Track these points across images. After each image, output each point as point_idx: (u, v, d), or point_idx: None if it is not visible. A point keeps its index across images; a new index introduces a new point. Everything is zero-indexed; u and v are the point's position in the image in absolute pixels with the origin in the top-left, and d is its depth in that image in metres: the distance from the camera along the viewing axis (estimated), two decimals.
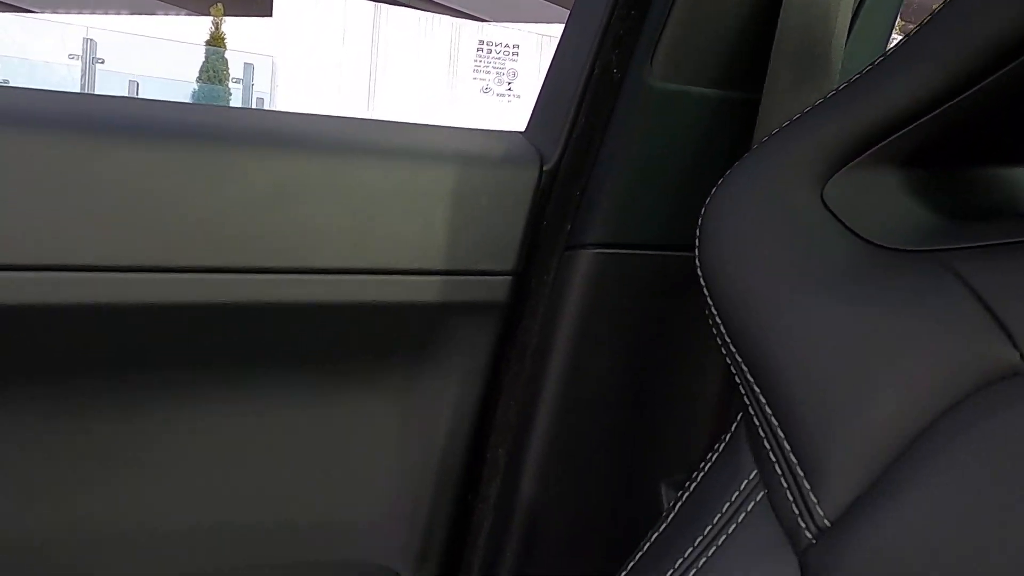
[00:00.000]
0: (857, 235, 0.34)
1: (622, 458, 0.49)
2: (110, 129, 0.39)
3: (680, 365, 0.49)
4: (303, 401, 0.47)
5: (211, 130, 0.42)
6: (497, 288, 0.48)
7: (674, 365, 0.49)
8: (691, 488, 0.36)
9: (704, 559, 0.33)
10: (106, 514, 0.44)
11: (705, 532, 0.33)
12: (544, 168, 0.48)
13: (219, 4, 8.88)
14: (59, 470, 0.44)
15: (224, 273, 0.42)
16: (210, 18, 9.23)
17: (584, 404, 0.48)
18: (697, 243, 0.37)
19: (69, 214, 0.38)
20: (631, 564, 0.35)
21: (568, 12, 0.52)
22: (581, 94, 0.47)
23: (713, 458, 0.36)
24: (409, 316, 0.47)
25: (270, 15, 10.08)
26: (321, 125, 0.45)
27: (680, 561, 0.33)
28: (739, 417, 0.36)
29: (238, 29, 9.63)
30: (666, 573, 0.33)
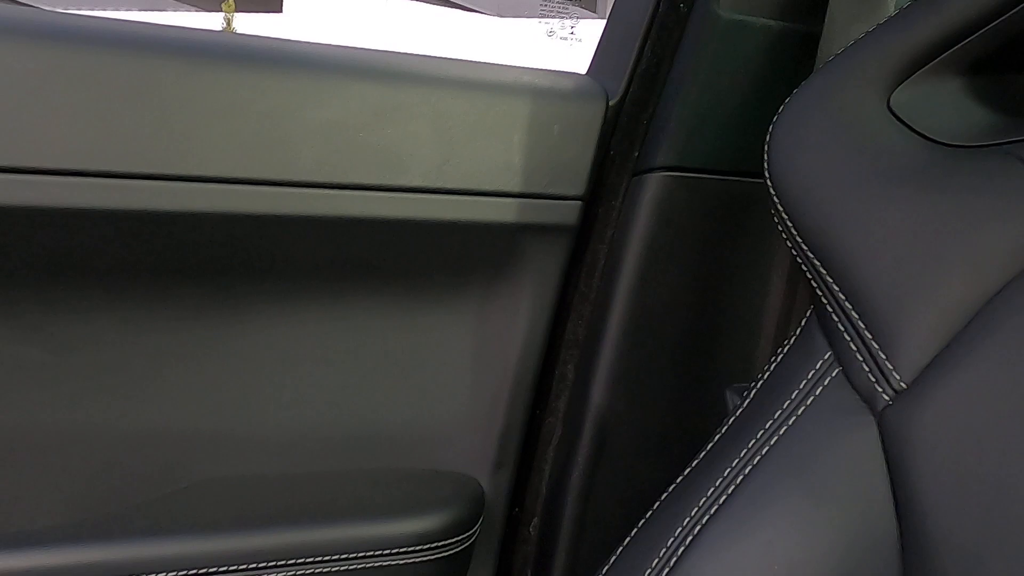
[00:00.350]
0: (923, 135, 0.37)
1: (687, 369, 0.52)
2: (239, 61, 0.43)
3: (741, 281, 0.52)
4: (389, 315, 0.51)
5: (319, 62, 0.45)
6: (567, 212, 0.51)
7: (735, 281, 0.52)
8: (759, 384, 0.39)
9: (784, 428, 0.36)
10: (208, 413, 0.48)
11: (783, 407, 0.36)
12: (610, 102, 0.52)
13: (230, 0, 8.96)
14: (169, 370, 0.47)
15: (326, 188, 0.45)
16: (221, 14, 9.31)
17: (650, 319, 0.51)
18: (767, 155, 0.40)
19: (203, 133, 0.42)
20: (703, 454, 0.38)
21: None
22: (647, 29, 0.51)
23: (782, 352, 0.39)
24: (486, 236, 0.50)
25: (280, 11, 10.14)
26: (412, 60, 0.49)
27: (752, 442, 0.36)
28: (808, 313, 0.39)
29: (248, 25, 9.69)
30: (741, 451, 0.36)
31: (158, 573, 0.42)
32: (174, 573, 0.42)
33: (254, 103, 0.43)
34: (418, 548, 0.47)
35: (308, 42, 0.48)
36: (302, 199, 0.45)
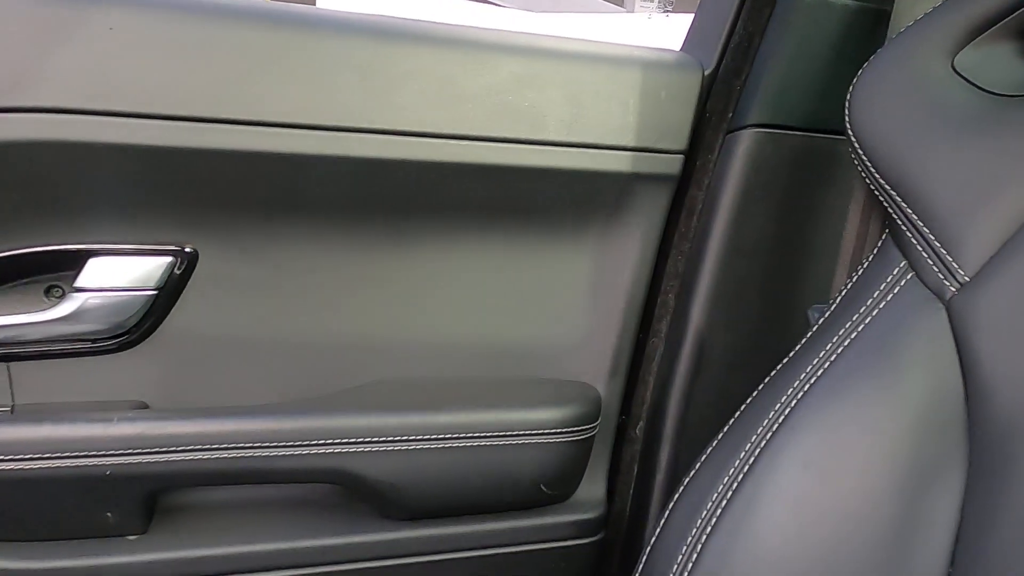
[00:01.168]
0: (982, 89, 0.46)
1: (773, 293, 0.62)
2: (424, 40, 0.54)
3: (820, 219, 0.62)
4: (525, 249, 0.61)
5: (477, 40, 0.56)
6: (670, 164, 0.61)
7: (815, 219, 0.62)
8: (838, 299, 0.48)
9: (862, 326, 0.45)
10: (382, 327, 0.59)
11: (861, 310, 0.46)
12: (705, 72, 0.62)
13: None
14: (355, 291, 0.58)
15: (480, 141, 0.56)
16: None
17: (741, 253, 0.61)
18: (848, 111, 0.50)
19: (396, 95, 0.53)
20: (787, 359, 0.48)
21: None
22: (738, 11, 0.61)
23: (860, 270, 0.48)
24: (603, 184, 0.61)
25: (313, 3, 10.32)
26: (547, 40, 0.59)
27: (832, 342, 0.45)
28: (883, 237, 0.48)
29: None
30: (821, 352, 0.45)
31: (349, 439, 0.54)
32: (362, 440, 0.54)
33: (433, 71, 0.54)
34: (555, 431, 0.57)
35: (469, 26, 0.58)
36: (463, 149, 0.56)
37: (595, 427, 0.61)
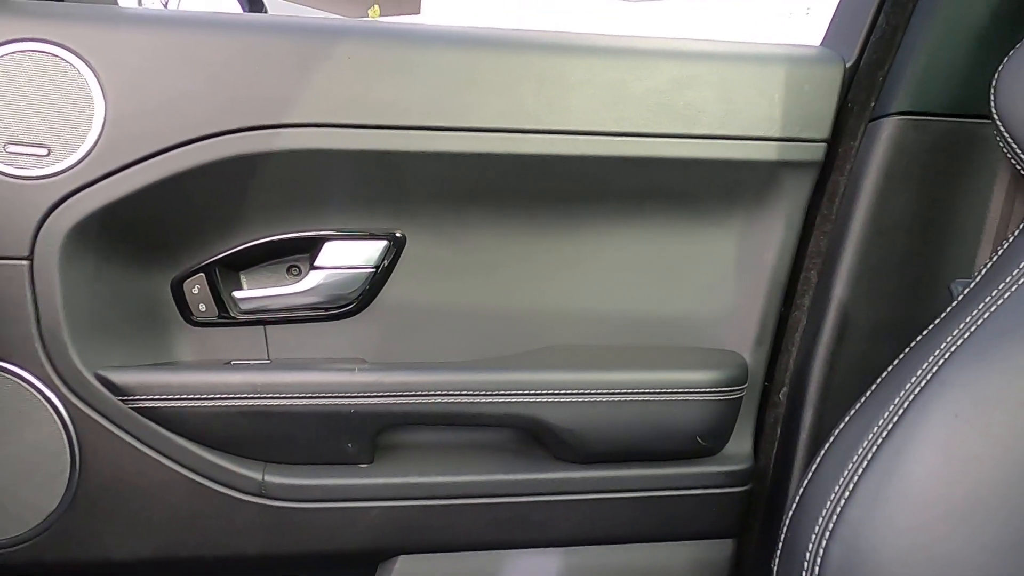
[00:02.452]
0: None
1: (916, 268, 0.66)
2: (594, 52, 0.63)
3: (963, 199, 0.65)
4: (679, 232, 0.69)
5: (638, 48, 0.64)
6: (814, 151, 0.67)
7: (958, 199, 0.65)
8: (982, 273, 0.53)
9: (1008, 294, 0.49)
10: (554, 300, 0.69)
11: (1007, 280, 0.50)
12: (847, 65, 0.66)
13: (376, 6, 9.63)
14: (531, 269, 0.68)
15: (642, 137, 0.64)
16: (366, 20, 10.02)
17: (883, 231, 0.65)
18: (993, 96, 0.54)
19: (568, 99, 0.62)
20: (929, 328, 0.52)
21: None
22: (879, 4, 0.65)
23: (1004, 246, 0.52)
24: (751, 171, 0.67)
25: (418, 12, 10.71)
26: (701, 43, 0.66)
27: (975, 311, 0.50)
28: None
29: None
30: (963, 322, 0.50)
31: (537, 391, 0.63)
32: (547, 392, 0.63)
33: (601, 78, 0.63)
34: (708, 390, 0.65)
35: (630, 35, 0.67)
36: (625, 145, 0.64)
37: (743, 389, 0.68)
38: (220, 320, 0.66)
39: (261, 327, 0.67)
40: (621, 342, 0.71)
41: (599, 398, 0.64)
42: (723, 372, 0.67)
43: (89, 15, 0.61)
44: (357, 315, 0.68)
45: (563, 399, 0.63)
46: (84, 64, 0.58)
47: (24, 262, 0.57)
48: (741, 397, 0.68)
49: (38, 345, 0.57)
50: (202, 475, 0.60)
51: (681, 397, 0.65)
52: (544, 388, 0.63)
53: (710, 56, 0.66)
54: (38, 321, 0.57)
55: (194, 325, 0.66)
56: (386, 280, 0.68)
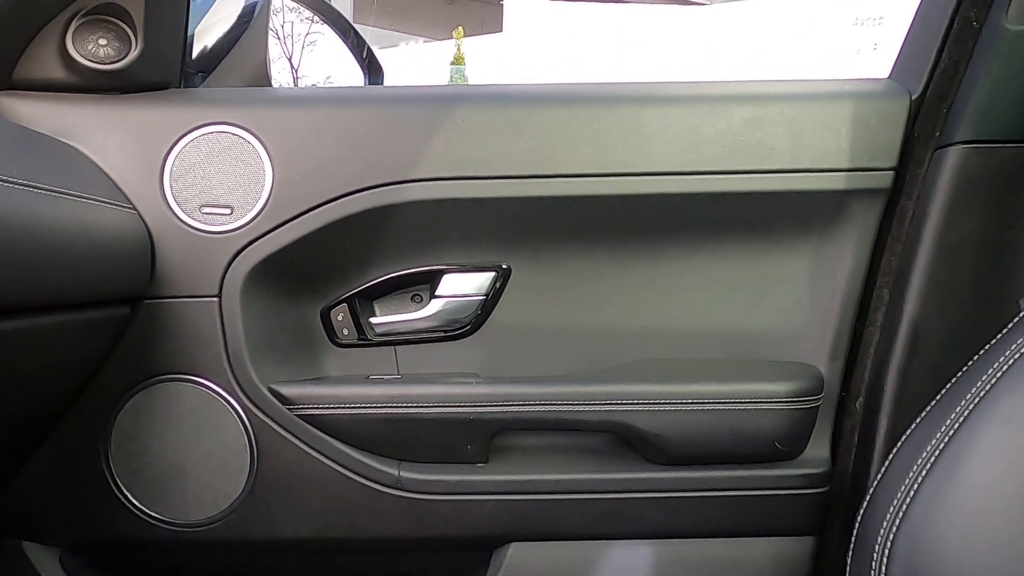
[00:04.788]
0: None
1: (985, 286, 0.70)
2: (680, 100, 0.73)
3: None
4: (754, 255, 0.77)
5: (710, 94, 0.73)
6: (882, 179, 0.73)
7: (1022, 221, 0.69)
8: None
9: None
10: (639, 320, 0.78)
11: None
12: (912, 97, 0.72)
13: (460, 27, 10.00)
14: (619, 293, 0.78)
15: (719, 175, 0.72)
16: (453, 40, 10.39)
17: (951, 253, 0.70)
18: None
19: (657, 143, 0.72)
20: (997, 338, 0.57)
21: None
22: (943, 41, 0.70)
23: None
24: (822, 199, 0.74)
25: (500, 31, 10.99)
26: (771, 84, 0.74)
27: None
28: None
29: (475, 46, 10.66)
30: None
31: (628, 400, 0.72)
32: (638, 401, 0.72)
33: (679, 123, 0.71)
34: (785, 399, 0.71)
35: (705, 81, 0.75)
36: (702, 183, 0.73)
37: (819, 399, 0.74)
38: (359, 342, 0.79)
39: (392, 347, 0.80)
40: (704, 356, 0.78)
41: (685, 407, 0.72)
42: (799, 383, 0.73)
43: (258, 99, 0.76)
44: (471, 336, 0.79)
45: (653, 407, 0.72)
46: (256, 139, 0.72)
47: (214, 299, 0.72)
48: (817, 406, 0.74)
49: (225, 365, 0.72)
50: (351, 470, 0.73)
51: (759, 406, 0.72)
52: (636, 398, 0.72)
53: (779, 96, 0.73)
54: (225, 345, 0.72)
55: (338, 346, 0.80)
56: (495, 306, 0.79)
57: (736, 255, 0.78)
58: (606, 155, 0.73)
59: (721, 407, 0.72)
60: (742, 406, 0.72)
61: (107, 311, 0.67)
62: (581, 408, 0.73)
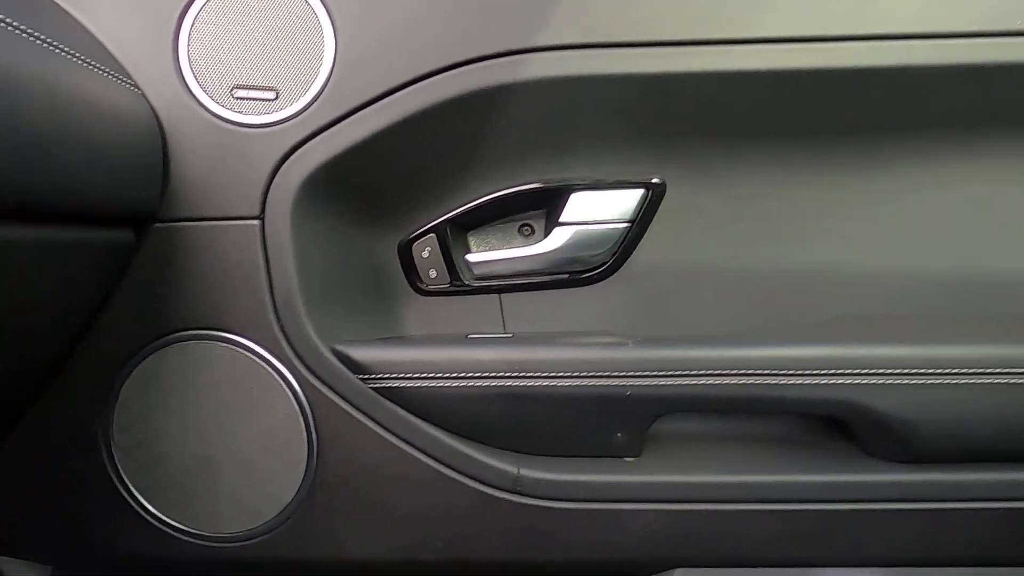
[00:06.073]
0: None
1: None
2: None
3: None
4: (1019, 168, 0.53)
5: None
6: None
7: None
8: None
9: None
10: (847, 259, 0.56)
11: None
12: None
13: None
14: (817, 221, 0.55)
15: (975, 38, 0.49)
16: None
17: None
18: None
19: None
20: None
21: None
22: None
23: None
24: None
25: None
26: None
27: None
28: None
29: None
30: None
31: (840, 370, 0.51)
32: (873, 372, 0.50)
33: None
34: None
35: None
36: (954, 49, 0.49)
37: None
38: (452, 288, 0.58)
39: (495, 295, 0.59)
40: (932, 309, 0.56)
41: (943, 380, 0.49)
42: None
43: None
44: (607, 280, 0.58)
45: (894, 380, 0.50)
46: None
47: (255, 223, 0.51)
48: None
49: (272, 316, 0.51)
50: (449, 466, 0.52)
51: None
52: (868, 367, 0.50)
53: None
54: (271, 289, 0.51)
55: (422, 294, 0.58)
56: (641, 236, 0.57)
57: (999, 164, 0.54)
58: (816, 10, 0.49)
59: (999, 381, 0.50)
60: (1018, 379, 0.50)
61: (101, 233, 0.46)
62: (787, 381, 0.50)
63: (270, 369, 0.51)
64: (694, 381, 0.50)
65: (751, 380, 0.50)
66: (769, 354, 0.50)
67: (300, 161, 0.50)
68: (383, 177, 0.54)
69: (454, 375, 0.51)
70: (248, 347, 0.51)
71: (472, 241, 0.59)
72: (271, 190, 0.50)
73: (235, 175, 0.50)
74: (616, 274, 0.57)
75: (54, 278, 0.43)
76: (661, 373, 0.50)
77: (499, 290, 0.58)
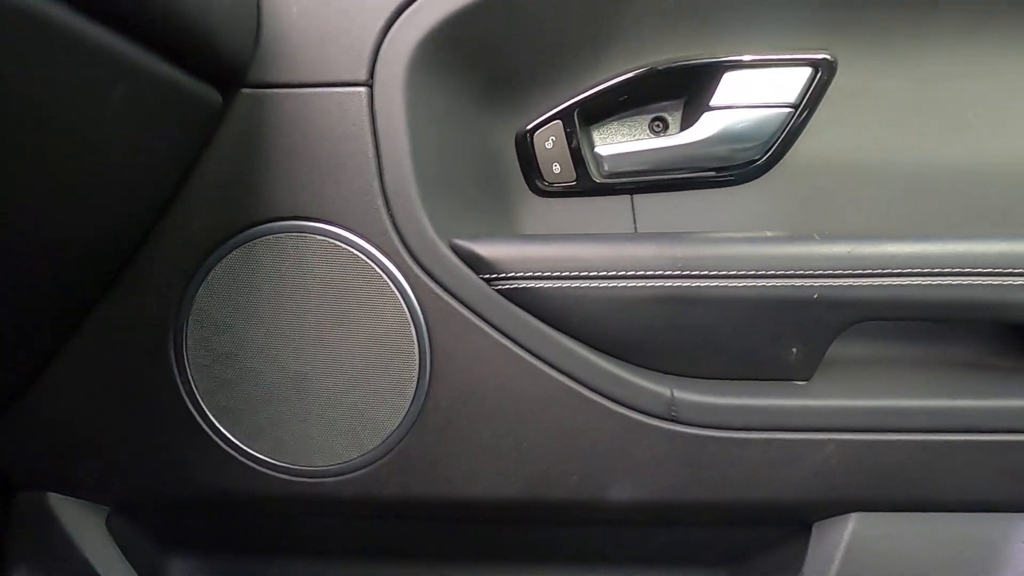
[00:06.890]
0: None
1: None
2: None
3: None
4: None
5: None
6: None
7: None
8: None
9: None
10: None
11: None
12: None
13: None
14: (1012, 107, 0.47)
15: None
16: None
17: None
18: None
19: None
20: None
21: None
22: None
23: None
24: None
25: None
26: None
27: None
28: None
29: None
30: None
31: None
32: None
33: None
34: None
35: None
36: None
37: None
38: (578, 187, 0.50)
39: (627, 196, 0.51)
40: None
41: None
42: None
43: None
44: (761, 177, 0.50)
45: None
46: None
47: (362, 89, 0.42)
48: None
49: (380, 203, 0.43)
50: (589, 387, 0.44)
51: None
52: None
53: None
54: (380, 171, 0.43)
55: (541, 194, 0.50)
56: (805, 125, 0.48)
57: None
58: None
59: None
60: None
61: (191, 83, 0.38)
62: (1014, 281, 0.42)
63: (377, 267, 0.43)
64: (899, 281, 0.41)
65: (965, 281, 0.41)
66: (992, 250, 0.41)
67: (415, 18, 0.42)
68: (505, 46, 0.45)
69: (604, 273, 0.43)
70: (351, 240, 0.43)
71: (596, 134, 0.51)
72: (381, 50, 0.42)
73: (339, 32, 0.42)
74: (773, 171, 0.48)
75: (149, 118, 0.35)
76: (858, 271, 0.41)
77: (632, 189, 0.50)
